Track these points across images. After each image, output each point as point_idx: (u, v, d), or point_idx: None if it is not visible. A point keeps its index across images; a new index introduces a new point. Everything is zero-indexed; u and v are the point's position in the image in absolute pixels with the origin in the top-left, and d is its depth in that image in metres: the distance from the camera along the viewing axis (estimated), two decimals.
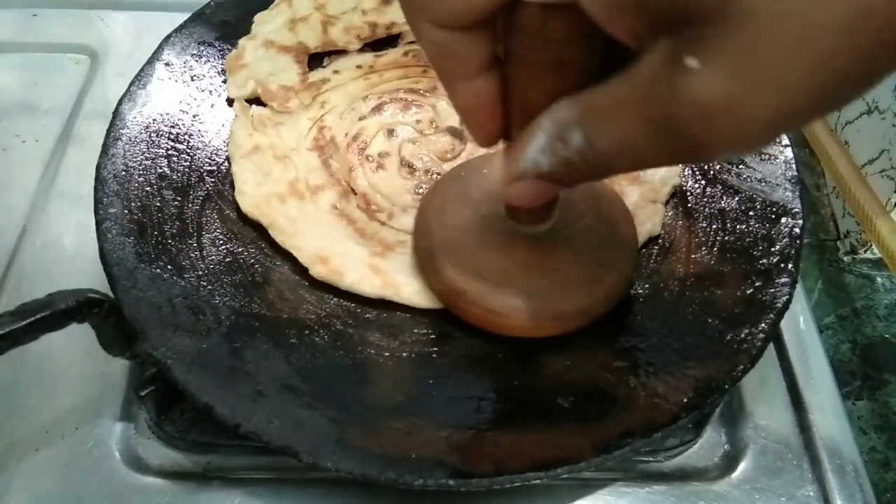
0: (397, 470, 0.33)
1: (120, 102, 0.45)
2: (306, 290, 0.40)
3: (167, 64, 0.47)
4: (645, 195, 0.44)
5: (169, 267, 0.39)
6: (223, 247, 0.41)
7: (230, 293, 0.39)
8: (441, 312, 0.39)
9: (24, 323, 0.30)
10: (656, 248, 0.43)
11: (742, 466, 0.39)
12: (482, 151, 0.43)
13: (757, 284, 0.39)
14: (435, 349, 0.38)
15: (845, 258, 0.61)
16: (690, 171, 0.45)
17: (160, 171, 0.43)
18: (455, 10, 0.26)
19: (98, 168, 0.42)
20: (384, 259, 0.41)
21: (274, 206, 0.42)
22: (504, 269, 0.37)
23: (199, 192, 0.43)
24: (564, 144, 0.26)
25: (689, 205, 0.44)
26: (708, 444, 0.41)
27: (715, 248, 0.41)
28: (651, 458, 0.40)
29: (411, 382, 0.37)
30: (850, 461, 0.40)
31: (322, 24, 0.51)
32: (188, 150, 0.44)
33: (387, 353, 0.38)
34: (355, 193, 0.44)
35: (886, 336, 0.57)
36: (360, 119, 0.47)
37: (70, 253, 0.47)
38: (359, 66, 0.50)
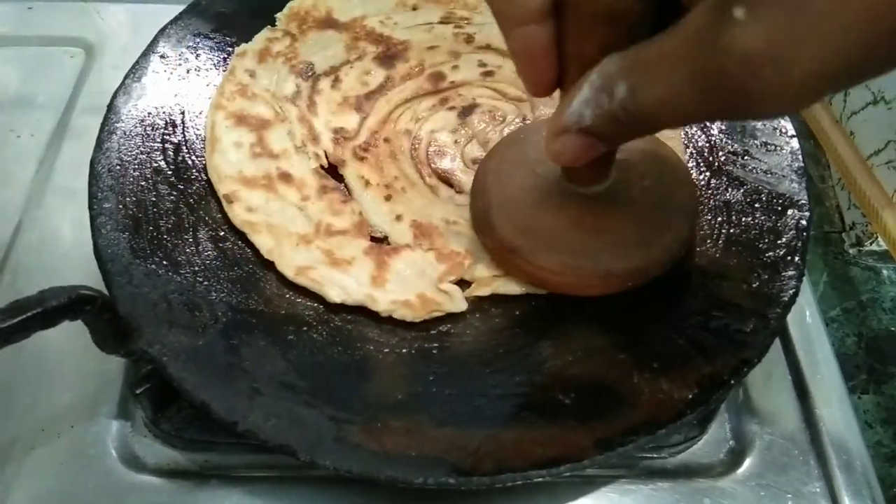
0: (397, 468, 0.32)
1: (115, 96, 0.44)
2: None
3: (162, 56, 0.47)
4: None
5: (164, 263, 0.38)
6: (219, 242, 0.40)
7: (227, 289, 0.38)
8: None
9: (14, 321, 0.30)
10: None
11: (748, 462, 0.39)
12: None
13: (763, 278, 0.38)
14: (435, 346, 0.38)
15: (851, 250, 0.60)
16: (695, 163, 0.45)
17: (155, 165, 0.42)
18: None
19: (92, 163, 0.41)
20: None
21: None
22: (557, 227, 0.38)
23: (195, 187, 0.42)
24: (609, 97, 0.26)
25: None
26: (713, 440, 0.40)
27: (720, 241, 0.41)
28: (655, 455, 0.39)
29: (411, 379, 0.36)
30: (857, 456, 0.39)
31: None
32: (184, 144, 0.44)
33: (386, 350, 0.37)
34: None
35: (892, 329, 0.56)
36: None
37: (66, 248, 0.47)
38: None
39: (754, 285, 0.38)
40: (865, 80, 0.23)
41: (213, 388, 0.34)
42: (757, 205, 0.42)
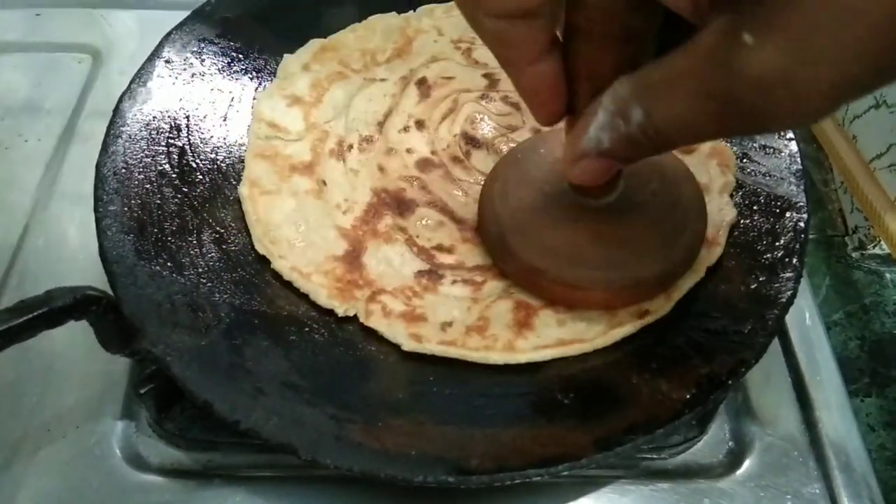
0: (397, 467, 0.32)
1: (120, 100, 0.45)
2: None
3: (167, 61, 0.47)
4: None
5: (168, 264, 0.39)
6: (223, 244, 0.41)
7: (230, 290, 0.39)
8: None
9: (21, 320, 0.30)
10: None
11: (747, 464, 0.39)
12: None
13: (761, 279, 0.38)
14: None
15: (853, 254, 0.60)
16: None
17: (160, 168, 0.43)
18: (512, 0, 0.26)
19: (98, 166, 0.41)
20: None
21: None
22: (577, 243, 0.37)
23: (199, 190, 0.43)
24: (625, 121, 0.27)
25: None
26: (712, 441, 0.40)
27: None
28: (655, 455, 0.39)
29: (411, 379, 0.36)
30: (856, 458, 0.39)
31: None
32: (188, 148, 0.44)
33: (387, 350, 0.38)
34: None
35: (895, 333, 0.56)
36: None
37: (72, 251, 0.47)
38: None
39: (752, 286, 0.38)
40: (873, 92, 0.23)
41: (215, 387, 0.34)
42: (755, 207, 0.42)
